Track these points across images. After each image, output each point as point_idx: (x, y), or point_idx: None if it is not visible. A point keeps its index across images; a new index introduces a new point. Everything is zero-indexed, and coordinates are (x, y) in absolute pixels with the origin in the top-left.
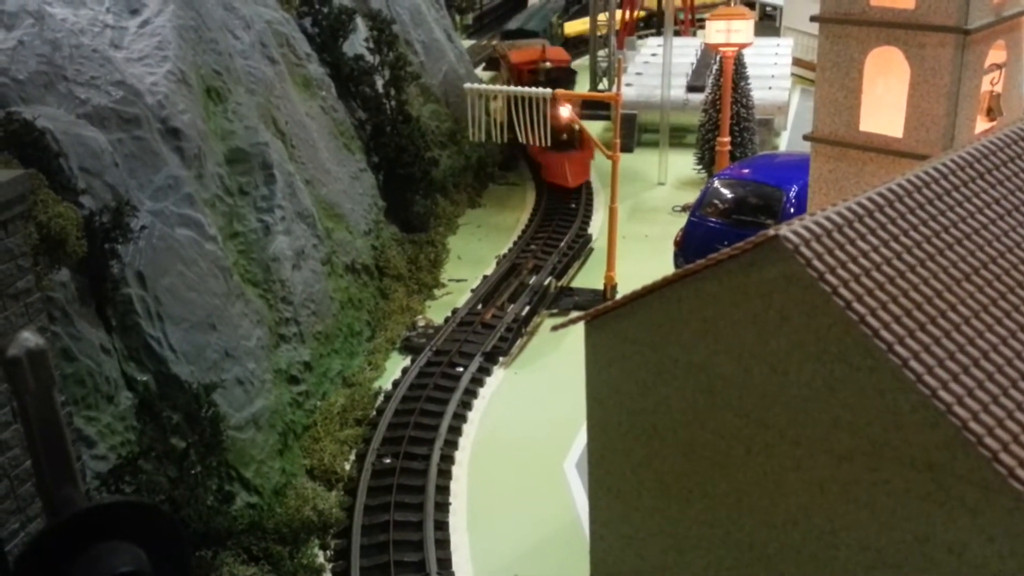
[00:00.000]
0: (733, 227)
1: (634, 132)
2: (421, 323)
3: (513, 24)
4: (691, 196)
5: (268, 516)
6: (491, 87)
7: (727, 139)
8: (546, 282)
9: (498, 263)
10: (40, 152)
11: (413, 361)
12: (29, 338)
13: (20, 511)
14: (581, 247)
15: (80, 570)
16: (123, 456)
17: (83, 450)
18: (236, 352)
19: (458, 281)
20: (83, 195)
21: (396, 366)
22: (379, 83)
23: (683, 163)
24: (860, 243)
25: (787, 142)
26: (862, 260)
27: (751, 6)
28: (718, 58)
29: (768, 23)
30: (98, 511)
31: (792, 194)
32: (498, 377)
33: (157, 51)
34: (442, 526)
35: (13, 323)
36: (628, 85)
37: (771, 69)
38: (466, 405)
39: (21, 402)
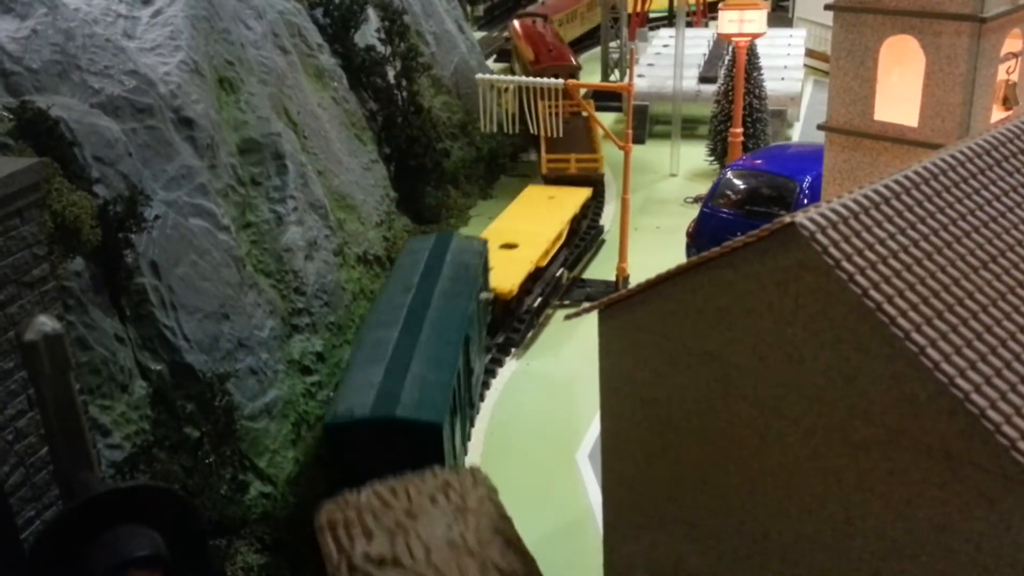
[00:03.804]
0: (746, 218)
1: (646, 123)
2: None
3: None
4: (703, 187)
5: (282, 506)
6: (503, 78)
7: (739, 130)
8: (558, 273)
9: None
10: (54, 141)
11: None
12: (45, 322)
13: (36, 499)
14: (593, 238)
15: (97, 554)
16: (137, 445)
17: (98, 439)
18: (249, 342)
19: None
20: (97, 184)
21: None
22: (390, 74)
23: (695, 154)
24: (877, 230)
25: (800, 133)
26: (879, 247)
27: None
28: (731, 49)
29: (781, 14)
30: (116, 495)
31: (805, 185)
32: (511, 367)
33: (170, 41)
34: None
35: (29, 311)
36: (640, 76)
37: (784, 60)
38: (479, 396)
39: (37, 386)
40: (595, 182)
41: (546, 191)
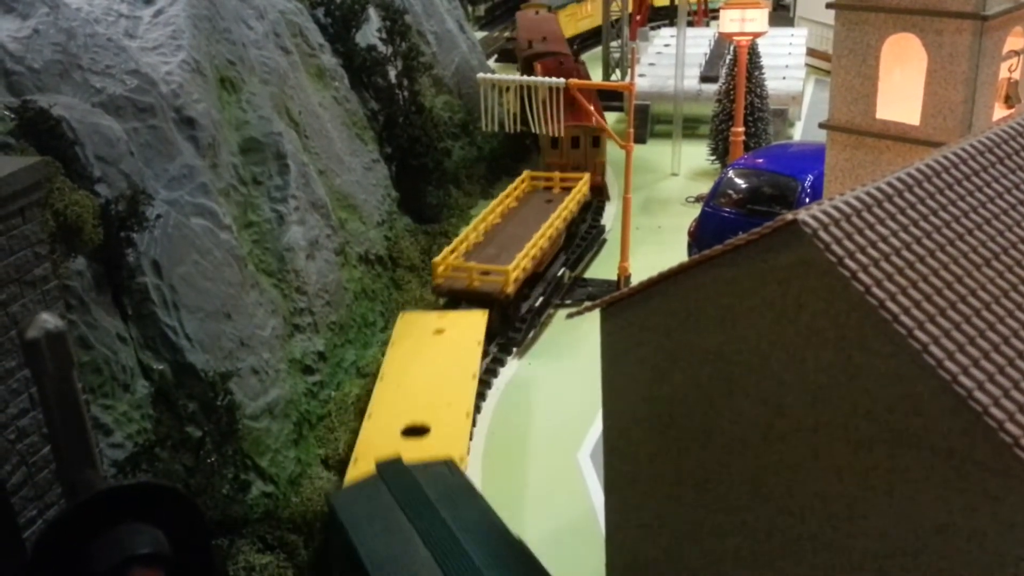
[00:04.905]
0: (747, 217)
1: (647, 123)
2: None
3: None
4: (705, 187)
5: (283, 505)
6: (504, 77)
7: (741, 129)
8: (560, 273)
9: None
10: (56, 140)
11: None
12: (48, 320)
13: (38, 498)
14: (594, 238)
15: (99, 552)
16: (139, 444)
17: (100, 438)
18: (251, 341)
19: None
20: (99, 183)
21: None
22: (392, 74)
23: (696, 154)
24: (879, 228)
25: (801, 132)
26: (881, 245)
27: None
28: (732, 48)
29: (782, 13)
30: (118, 493)
31: (807, 184)
32: (512, 367)
33: (171, 40)
34: None
35: (31, 310)
36: (641, 76)
37: (785, 59)
38: (480, 395)
39: (40, 384)
40: (497, 302)
41: (430, 322)
